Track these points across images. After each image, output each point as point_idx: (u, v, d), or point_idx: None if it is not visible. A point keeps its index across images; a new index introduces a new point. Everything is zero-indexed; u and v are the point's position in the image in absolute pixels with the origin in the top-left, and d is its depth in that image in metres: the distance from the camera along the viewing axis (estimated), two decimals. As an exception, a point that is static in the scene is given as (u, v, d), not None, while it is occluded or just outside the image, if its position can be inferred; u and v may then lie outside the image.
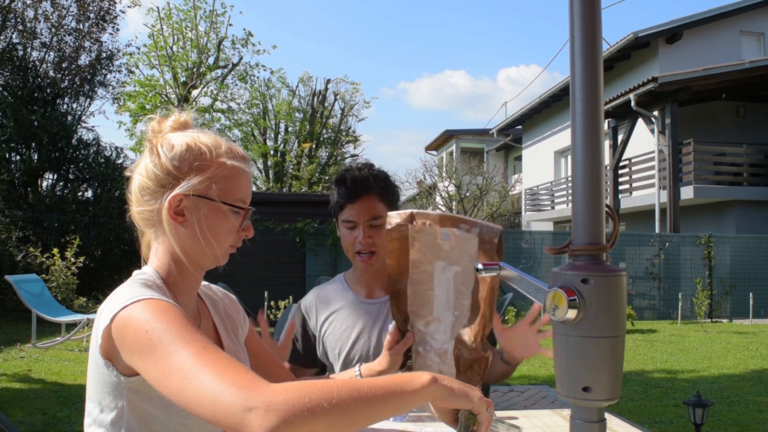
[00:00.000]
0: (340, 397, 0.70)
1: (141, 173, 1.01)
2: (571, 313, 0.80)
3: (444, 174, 21.72)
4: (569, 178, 6.50)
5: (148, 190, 1.00)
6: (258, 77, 29.38)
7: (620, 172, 14.43)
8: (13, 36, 12.07)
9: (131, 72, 17.15)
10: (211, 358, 0.76)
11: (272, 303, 8.93)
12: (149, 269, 1.02)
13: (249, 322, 1.27)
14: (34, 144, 11.30)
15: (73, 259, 8.57)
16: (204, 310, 1.14)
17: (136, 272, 1.02)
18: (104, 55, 13.27)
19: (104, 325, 0.87)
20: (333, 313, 1.70)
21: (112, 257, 10.89)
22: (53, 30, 12.50)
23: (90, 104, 13.14)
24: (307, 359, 1.73)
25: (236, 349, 1.15)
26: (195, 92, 18.94)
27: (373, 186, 1.59)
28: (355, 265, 1.66)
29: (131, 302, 0.87)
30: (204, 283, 1.18)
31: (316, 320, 1.73)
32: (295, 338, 1.76)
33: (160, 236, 1.02)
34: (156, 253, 1.03)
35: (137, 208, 1.02)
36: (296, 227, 10.30)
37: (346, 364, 1.65)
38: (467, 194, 19.74)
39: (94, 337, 0.90)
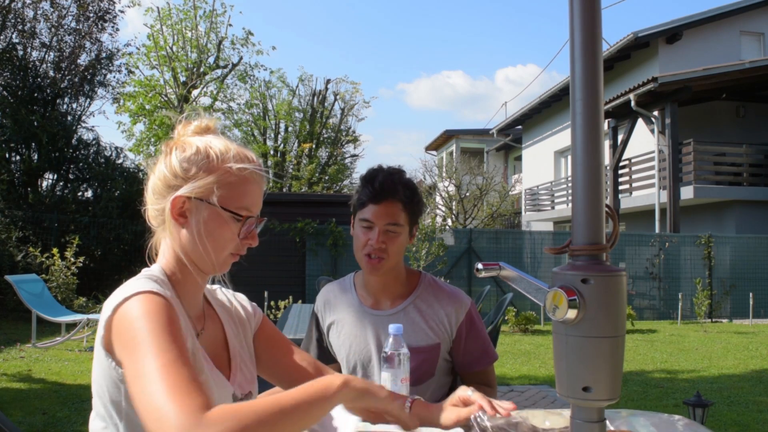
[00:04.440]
0: (267, 416, 0.77)
1: (154, 173, 1.05)
2: (571, 313, 0.80)
3: (444, 174, 21.72)
4: (569, 178, 6.49)
5: (158, 189, 1.03)
6: (258, 77, 29.41)
7: (620, 172, 14.41)
8: (13, 36, 12.05)
9: (131, 72, 17.14)
10: (174, 373, 0.79)
11: (272, 303, 8.92)
12: (156, 266, 1.05)
13: (260, 313, 1.26)
14: (33, 144, 11.27)
15: (72, 259, 8.55)
16: (211, 314, 1.15)
17: (144, 269, 1.05)
18: (104, 55, 13.24)
19: (107, 317, 0.90)
20: (336, 320, 1.73)
21: (111, 257, 10.88)
22: (53, 30, 12.48)
23: (90, 104, 13.13)
24: (327, 356, 1.76)
25: (242, 352, 1.16)
26: (195, 92, 18.94)
27: (400, 192, 1.58)
28: (362, 267, 1.67)
29: (132, 294, 0.90)
30: (215, 286, 1.20)
31: (324, 323, 1.77)
32: (313, 338, 1.79)
33: (167, 236, 1.05)
34: (163, 251, 1.06)
35: (149, 206, 1.06)
36: (296, 227, 10.29)
37: (346, 371, 1.69)
38: (467, 194, 19.75)
39: (99, 328, 0.93)
